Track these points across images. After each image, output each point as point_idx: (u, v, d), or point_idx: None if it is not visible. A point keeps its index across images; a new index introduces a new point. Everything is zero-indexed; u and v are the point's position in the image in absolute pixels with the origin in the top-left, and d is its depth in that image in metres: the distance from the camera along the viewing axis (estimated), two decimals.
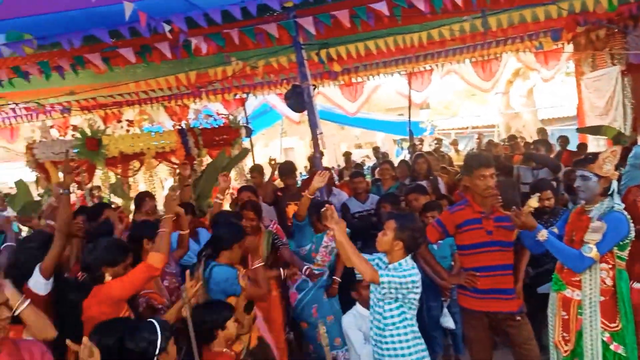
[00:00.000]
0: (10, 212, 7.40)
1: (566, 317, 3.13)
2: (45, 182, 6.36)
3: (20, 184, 6.26)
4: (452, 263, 4.54)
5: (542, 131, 9.91)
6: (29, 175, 7.26)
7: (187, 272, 3.17)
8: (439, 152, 9.70)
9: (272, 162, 5.97)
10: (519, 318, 3.35)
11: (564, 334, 3.14)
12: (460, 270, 3.63)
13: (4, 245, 3.83)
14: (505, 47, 8.16)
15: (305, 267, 4.17)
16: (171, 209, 3.22)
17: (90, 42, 4.00)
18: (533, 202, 3.13)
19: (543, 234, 3.04)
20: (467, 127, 18.08)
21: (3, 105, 7.02)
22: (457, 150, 11.87)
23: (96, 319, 2.70)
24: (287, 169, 5.82)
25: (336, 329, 4.19)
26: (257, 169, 6.64)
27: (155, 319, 2.59)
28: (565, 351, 3.13)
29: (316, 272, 4.20)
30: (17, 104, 7.32)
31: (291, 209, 5.35)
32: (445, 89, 18.57)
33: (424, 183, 5.77)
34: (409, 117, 10.35)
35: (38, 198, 6.60)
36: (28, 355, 2.01)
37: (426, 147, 11.75)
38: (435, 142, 11.03)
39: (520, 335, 3.36)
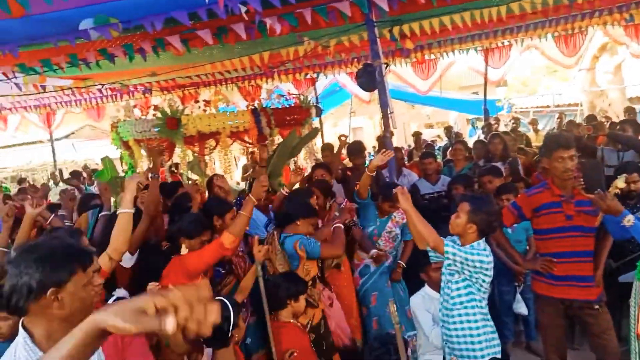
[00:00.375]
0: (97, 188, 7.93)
1: None
2: (130, 159, 6.74)
3: (106, 160, 6.64)
4: (527, 247, 4.39)
5: (630, 110, 9.23)
6: (114, 152, 7.72)
7: (256, 237, 3.32)
8: (516, 132, 9.30)
9: (343, 139, 5.96)
10: (597, 307, 3.20)
11: None
12: (536, 255, 3.51)
13: (100, 214, 4.09)
14: (592, 20, 7.60)
15: (374, 251, 4.17)
16: (258, 194, 3.27)
17: (171, 24, 4.15)
18: (620, 183, 2.96)
19: (630, 219, 2.87)
20: (547, 106, 17.17)
21: (90, 85, 7.47)
22: (536, 130, 11.31)
23: None
24: (355, 148, 5.81)
25: (401, 315, 4.07)
26: (328, 148, 6.65)
27: (225, 297, 2.73)
28: None
29: (383, 258, 4.18)
30: (103, 85, 7.76)
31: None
32: (523, 65, 17.69)
33: (499, 164, 5.58)
34: (485, 95, 9.99)
35: (122, 174, 7.03)
36: None
37: (502, 127, 11.30)
38: (512, 121, 10.55)
39: (599, 324, 3.21)
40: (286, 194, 4.28)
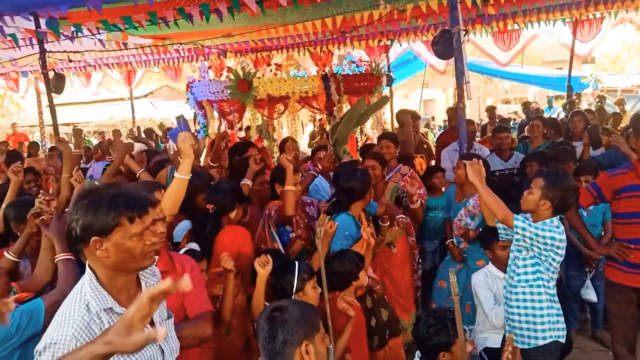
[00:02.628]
0: (172, 145, 8.24)
1: None
2: (203, 119, 6.93)
3: (180, 119, 6.85)
4: (602, 232, 4.14)
5: None
6: (190, 112, 7.96)
7: (322, 215, 3.34)
8: (602, 112, 8.68)
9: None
10: None
11: None
12: (613, 240, 3.30)
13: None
14: None
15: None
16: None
17: None
18: None
19: None
20: (638, 86, 15.89)
21: (168, 44, 7.68)
22: (623, 111, 10.54)
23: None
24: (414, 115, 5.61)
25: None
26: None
27: (298, 261, 2.77)
28: None
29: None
30: (180, 44, 7.95)
31: (417, 161, 5.22)
32: (614, 41, 16.43)
33: (579, 144, 5.26)
34: (570, 71, 9.38)
35: (195, 133, 7.24)
36: (180, 267, 2.24)
37: (585, 106, 10.61)
38: (597, 100, 9.86)
39: None
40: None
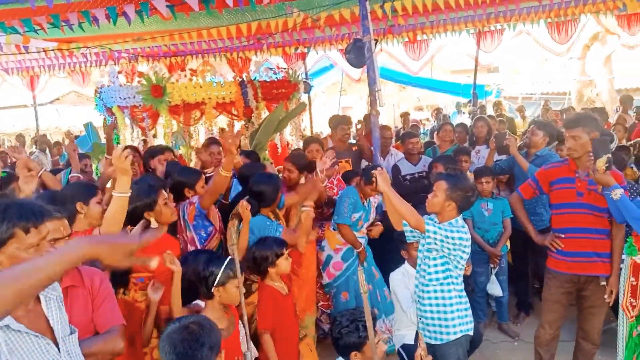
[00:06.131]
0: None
1: (635, 283, 3.06)
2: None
3: (88, 126, 6.53)
4: (502, 230, 4.43)
5: (628, 99, 9.15)
6: (98, 119, 7.57)
7: (232, 221, 3.32)
8: (510, 120, 9.40)
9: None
10: (603, 283, 3.24)
11: (632, 300, 3.08)
12: (552, 231, 3.51)
13: (70, 175, 4.04)
14: (585, 8, 7.55)
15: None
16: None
17: None
18: (601, 163, 2.99)
19: (617, 193, 2.93)
20: (535, 93, 17.21)
21: (74, 48, 7.27)
22: (523, 117, 11.38)
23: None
24: (341, 120, 5.74)
25: (373, 298, 4.20)
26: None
27: (229, 257, 2.70)
28: (631, 317, 3.07)
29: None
30: (87, 48, 7.55)
31: (341, 166, 5.30)
32: (515, 52, 17.65)
33: (482, 147, 5.61)
34: (474, 79, 9.97)
35: (104, 141, 6.90)
36: (89, 280, 2.13)
37: (489, 111, 11.35)
38: (495, 108, 10.65)
39: (592, 299, 3.29)
40: None
